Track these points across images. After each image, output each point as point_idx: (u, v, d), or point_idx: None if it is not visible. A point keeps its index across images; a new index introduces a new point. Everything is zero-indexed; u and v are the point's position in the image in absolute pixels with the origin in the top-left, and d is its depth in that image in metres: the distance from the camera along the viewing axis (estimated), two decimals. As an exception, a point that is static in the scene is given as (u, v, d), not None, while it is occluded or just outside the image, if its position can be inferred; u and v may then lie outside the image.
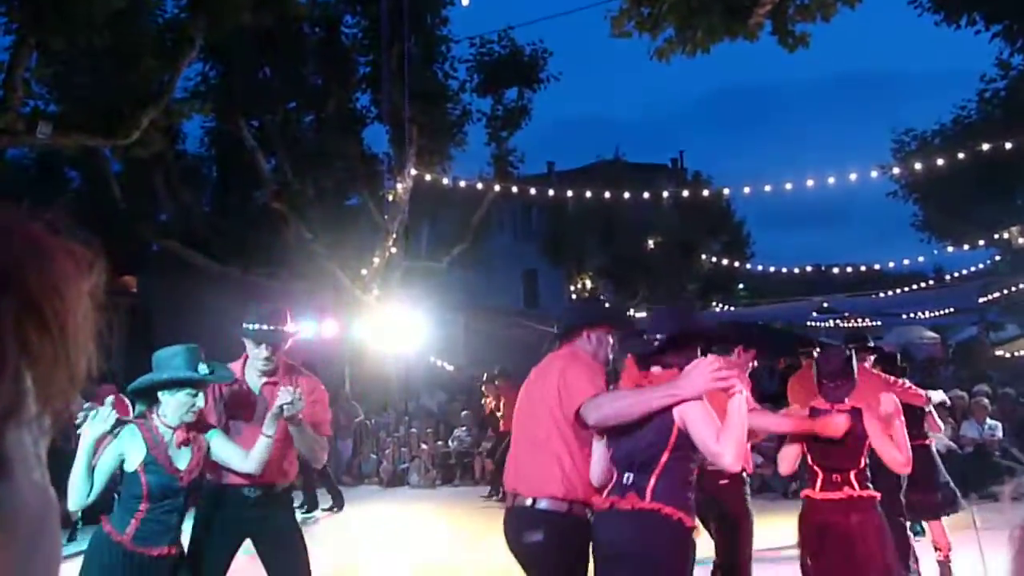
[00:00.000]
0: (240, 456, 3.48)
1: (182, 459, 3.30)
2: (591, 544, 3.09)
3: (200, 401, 3.35)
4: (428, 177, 15.15)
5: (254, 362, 3.77)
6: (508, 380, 11.02)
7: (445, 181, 15.62)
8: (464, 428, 13.09)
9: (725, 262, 24.16)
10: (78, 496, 3.13)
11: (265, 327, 3.77)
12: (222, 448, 3.47)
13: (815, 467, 3.93)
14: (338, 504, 10.11)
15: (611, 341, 3.46)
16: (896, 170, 16.36)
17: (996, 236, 16.71)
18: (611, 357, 3.48)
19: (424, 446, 12.83)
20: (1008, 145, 12.27)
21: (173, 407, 3.29)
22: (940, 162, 13.25)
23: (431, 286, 16.97)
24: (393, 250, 15.24)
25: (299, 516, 9.34)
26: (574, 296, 24.10)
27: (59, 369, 0.53)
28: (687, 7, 6.51)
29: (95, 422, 3.10)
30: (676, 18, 6.63)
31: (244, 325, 3.80)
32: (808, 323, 22.44)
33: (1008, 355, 21.39)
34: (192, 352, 3.37)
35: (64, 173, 17.39)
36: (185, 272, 15.90)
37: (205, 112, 12.72)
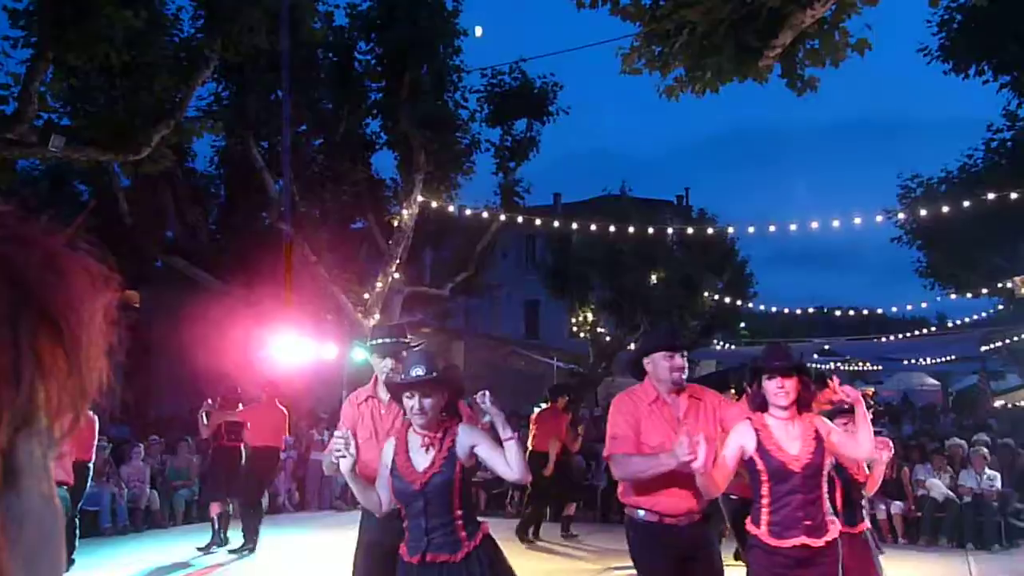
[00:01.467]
0: None
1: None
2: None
3: None
4: (434, 204, 15.22)
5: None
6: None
7: (451, 208, 15.69)
8: (460, 457, 13.00)
9: (728, 300, 24.14)
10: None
11: (389, 340, 4.20)
12: None
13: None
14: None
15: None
16: (901, 215, 16.42)
17: (999, 285, 16.71)
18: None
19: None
20: (1013, 195, 12.31)
21: None
22: (945, 209, 13.30)
23: (433, 312, 16.97)
24: (396, 275, 15.27)
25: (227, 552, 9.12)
26: (575, 328, 24.08)
27: (71, 383, 0.54)
28: (698, 47, 6.57)
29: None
30: (686, 57, 6.69)
31: (371, 343, 4.28)
32: (809, 365, 22.37)
33: (1009, 405, 21.29)
34: None
35: (74, 186, 17.49)
36: (189, 289, 15.92)
37: (216, 131, 12.81)
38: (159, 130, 10.04)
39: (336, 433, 3.60)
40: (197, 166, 17.21)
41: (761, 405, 3.87)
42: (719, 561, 4.10)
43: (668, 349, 4.04)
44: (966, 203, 12.88)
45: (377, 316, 15.04)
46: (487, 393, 3.56)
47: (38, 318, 0.52)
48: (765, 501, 3.77)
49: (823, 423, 3.89)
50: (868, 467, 4.79)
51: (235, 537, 9.34)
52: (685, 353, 4.09)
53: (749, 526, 3.86)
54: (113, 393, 0.60)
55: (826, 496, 3.81)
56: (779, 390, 3.79)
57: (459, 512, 3.50)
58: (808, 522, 3.71)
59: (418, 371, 3.50)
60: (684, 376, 4.04)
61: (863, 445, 3.88)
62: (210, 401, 9.17)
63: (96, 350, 0.57)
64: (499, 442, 3.55)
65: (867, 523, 4.88)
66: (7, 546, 0.50)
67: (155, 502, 11.17)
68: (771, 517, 3.75)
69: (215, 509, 9.44)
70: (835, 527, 3.79)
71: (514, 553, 9.10)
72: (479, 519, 3.63)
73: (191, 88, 10.91)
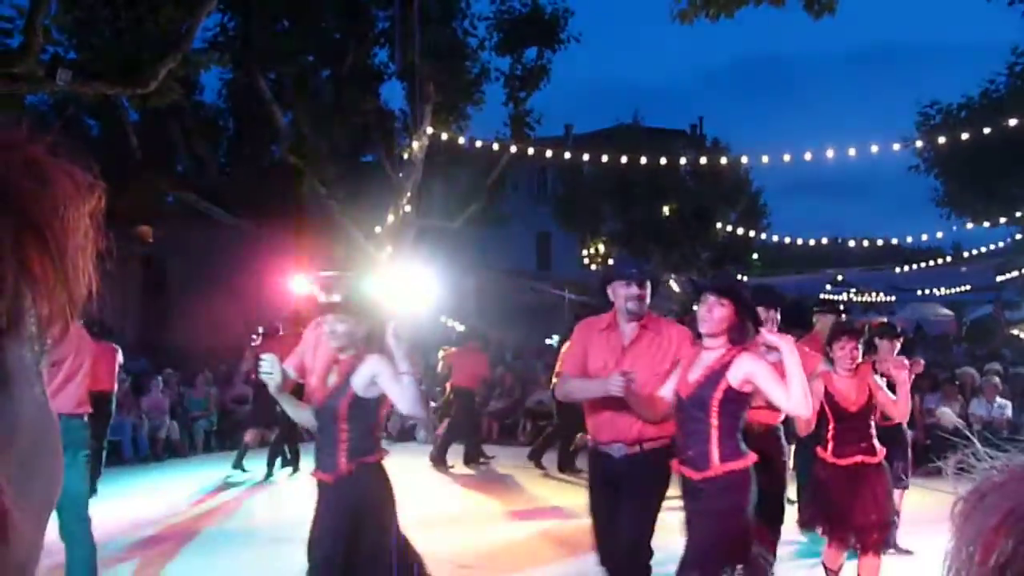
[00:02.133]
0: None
1: None
2: None
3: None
4: (444, 136, 15.07)
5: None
6: None
7: (461, 140, 15.53)
8: (473, 388, 13.17)
9: (741, 231, 24.00)
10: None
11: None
12: None
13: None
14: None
15: None
16: (919, 143, 16.15)
17: (1017, 214, 16.51)
18: None
19: (432, 404, 12.93)
20: (1034, 121, 12.07)
21: None
22: (964, 136, 13.06)
23: (444, 245, 16.96)
24: (407, 208, 15.22)
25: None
26: (586, 260, 24.07)
27: (58, 290, 0.53)
28: (713, -31, 6.39)
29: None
30: (701, -21, 6.51)
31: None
32: (822, 296, 22.35)
33: (1023, 335, 21.26)
34: None
35: (83, 121, 17.40)
36: (200, 223, 15.95)
37: (223, 64, 12.65)
38: (166, 63, 9.90)
39: (263, 357, 3.88)
40: (205, 99, 17.08)
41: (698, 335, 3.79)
42: (650, 498, 3.91)
43: (624, 278, 4.00)
44: (987, 130, 12.63)
45: (389, 249, 15.06)
46: (394, 325, 3.82)
47: (21, 224, 0.51)
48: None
49: (751, 361, 3.58)
50: (892, 391, 4.70)
51: (254, 466, 9.60)
52: (646, 282, 4.00)
53: None
54: (104, 305, 0.59)
55: (718, 428, 3.54)
56: (707, 315, 3.65)
57: (343, 436, 3.69)
58: (689, 452, 3.62)
59: (334, 297, 3.93)
60: (640, 305, 3.95)
61: (791, 398, 3.51)
62: (254, 336, 9.47)
63: (83, 258, 0.56)
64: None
65: (869, 455, 4.69)
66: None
67: (175, 432, 11.41)
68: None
69: (249, 436, 9.86)
70: (731, 463, 3.54)
71: (520, 484, 9.26)
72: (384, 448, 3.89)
73: (196, 19, 10.71)
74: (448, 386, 11.27)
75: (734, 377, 3.56)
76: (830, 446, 4.70)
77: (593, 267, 24.07)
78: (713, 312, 3.62)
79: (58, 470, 0.57)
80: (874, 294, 24.33)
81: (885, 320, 6.65)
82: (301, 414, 4.02)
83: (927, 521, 5.92)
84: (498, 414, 13.19)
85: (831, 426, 4.68)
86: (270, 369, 3.80)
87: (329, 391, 3.77)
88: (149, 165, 15.08)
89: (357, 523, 3.65)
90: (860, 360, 4.70)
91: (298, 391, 4.16)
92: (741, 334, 3.65)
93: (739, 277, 25.98)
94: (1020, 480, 0.49)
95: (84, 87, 9.54)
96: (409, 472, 10.02)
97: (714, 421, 3.56)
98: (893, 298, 24.05)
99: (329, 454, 3.74)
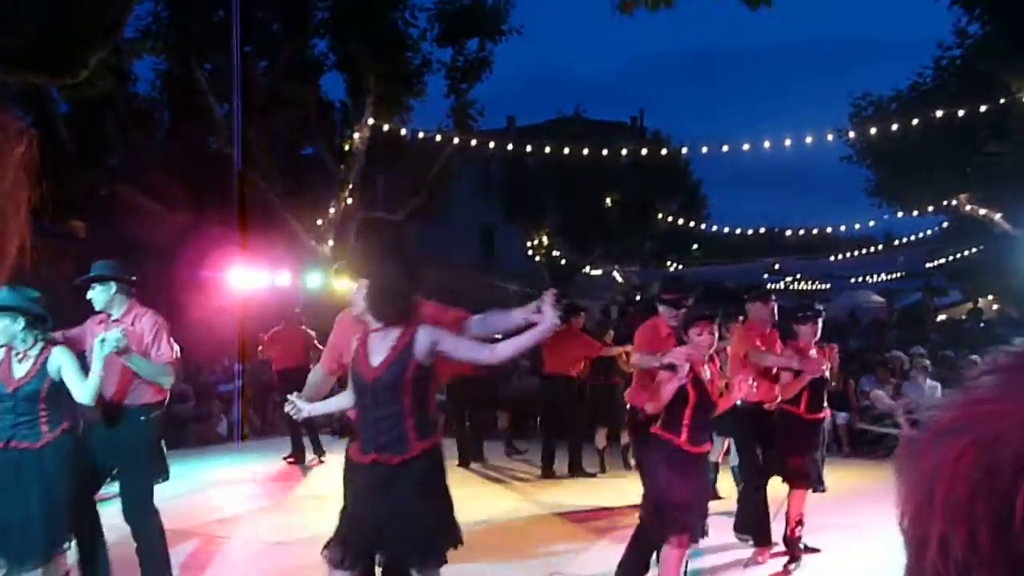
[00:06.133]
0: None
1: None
2: None
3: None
4: (386, 127, 14.95)
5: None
6: None
7: (403, 132, 15.42)
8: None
9: (681, 222, 24.35)
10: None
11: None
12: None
13: None
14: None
15: None
16: (852, 134, 16.55)
17: (945, 203, 17.04)
18: None
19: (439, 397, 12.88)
20: (960, 112, 12.49)
21: None
22: (895, 127, 13.45)
23: (387, 238, 16.83)
24: (349, 201, 15.07)
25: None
26: (530, 252, 24.15)
27: None
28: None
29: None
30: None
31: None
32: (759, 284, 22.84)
33: (950, 319, 22.03)
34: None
35: (9, 112, 16.79)
36: (136, 218, 15.54)
37: (156, 52, 12.34)
38: (96, 51, 9.63)
39: (290, 399, 3.87)
40: (139, 90, 16.62)
41: None
42: None
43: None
44: (915, 121, 13.03)
45: (331, 242, 14.90)
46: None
47: None
48: None
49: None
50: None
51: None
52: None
53: None
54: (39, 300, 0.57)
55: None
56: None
57: (409, 411, 3.46)
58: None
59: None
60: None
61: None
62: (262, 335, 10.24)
63: (12, 208, 0.54)
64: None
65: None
66: None
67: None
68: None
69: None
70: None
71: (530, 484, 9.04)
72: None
73: (129, 6, 10.44)
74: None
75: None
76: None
77: (537, 259, 24.17)
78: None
79: None
80: (810, 282, 24.94)
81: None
82: (336, 402, 4.01)
83: (867, 498, 6.16)
84: (439, 407, 13.16)
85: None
86: (301, 407, 3.84)
87: (384, 364, 3.47)
88: (82, 158, 14.64)
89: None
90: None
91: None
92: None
93: (678, 267, 26.34)
94: (975, 417, 0.48)
95: (8, 75, 9.23)
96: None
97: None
98: (828, 285, 24.68)
99: (392, 432, 3.45)
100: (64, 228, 16.14)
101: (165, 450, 4.89)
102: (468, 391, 9.49)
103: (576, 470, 8.99)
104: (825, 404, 5.79)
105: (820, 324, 5.78)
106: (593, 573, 5.38)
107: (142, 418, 4.58)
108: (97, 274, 4.60)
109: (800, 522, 5.65)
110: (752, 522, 5.76)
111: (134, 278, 4.70)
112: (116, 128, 15.03)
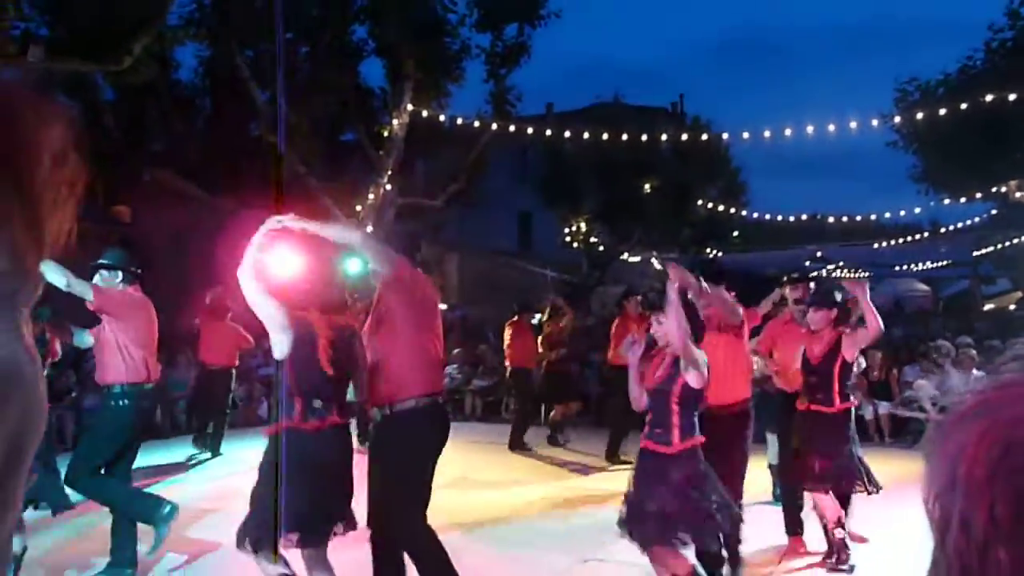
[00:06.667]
0: None
1: None
2: None
3: None
4: (425, 113, 14.98)
5: None
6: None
7: (442, 118, 15.44)
8: (455, 366, 13.21)
9: (721, 208, 24.08)
10: None
11: None
12: None
13: None
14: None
15: None
16: (897, 119, 16.22)
17: (994, 190, 16.65)
18: None
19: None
20: (1012, 97, 12.16)
21: None
22: (942, 112, 13.14)
23: (426, 224, 16.92)
24: (388, 187, 15.15)
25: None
26: (568, 239, 24.07)
27: (25, 228, 0.52)
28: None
29: None
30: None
31: None
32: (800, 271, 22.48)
33: (997, 308, 21.54)
34: None
35: (53, 99, 17.16)
36: (178, 203, 15.80)
37: (199, 39, 12.49)
38: (140, 38, 9.78)
39: None
40: (182, 77, 16.86)
41: None
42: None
43: None
44: (963, 105, 12.72)
45: (370, 227, 15.00)
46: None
47: None
48: None
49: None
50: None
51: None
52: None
53: None
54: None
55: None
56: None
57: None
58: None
59: None
60: None
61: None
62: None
63: (53, 193, 0.55)
64: None
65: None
66: None
67: (156, 413, 11.35)
68: None
69: None
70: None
71: (503, 460, 9.33)
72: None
73: (171, -6, 10.59)
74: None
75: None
76: None
77: (575, 245, 24.09)
78: None
79: (27, 427, 0.56)
80: (853, 270, 24.54)
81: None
82: None
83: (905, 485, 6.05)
84: (481, 392, 13.25)
85: None
86: None
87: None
88: (126, 144, 14.90)
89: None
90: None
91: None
92: None
93: (718, 254, 26.11)
94: (997, 400, 0.49)
95: (57, 64, 9.41)
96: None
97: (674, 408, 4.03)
98: (871, 273, 24.26)
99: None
100: (109, 213, 16.47)
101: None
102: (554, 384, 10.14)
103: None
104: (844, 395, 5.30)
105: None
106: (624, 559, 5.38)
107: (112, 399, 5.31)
108: (107, 262, 5.19)
109: (839, 523, 5.23)
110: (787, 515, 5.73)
111: (139, 271, 5.41)
112: (159, 115, 15.26)
